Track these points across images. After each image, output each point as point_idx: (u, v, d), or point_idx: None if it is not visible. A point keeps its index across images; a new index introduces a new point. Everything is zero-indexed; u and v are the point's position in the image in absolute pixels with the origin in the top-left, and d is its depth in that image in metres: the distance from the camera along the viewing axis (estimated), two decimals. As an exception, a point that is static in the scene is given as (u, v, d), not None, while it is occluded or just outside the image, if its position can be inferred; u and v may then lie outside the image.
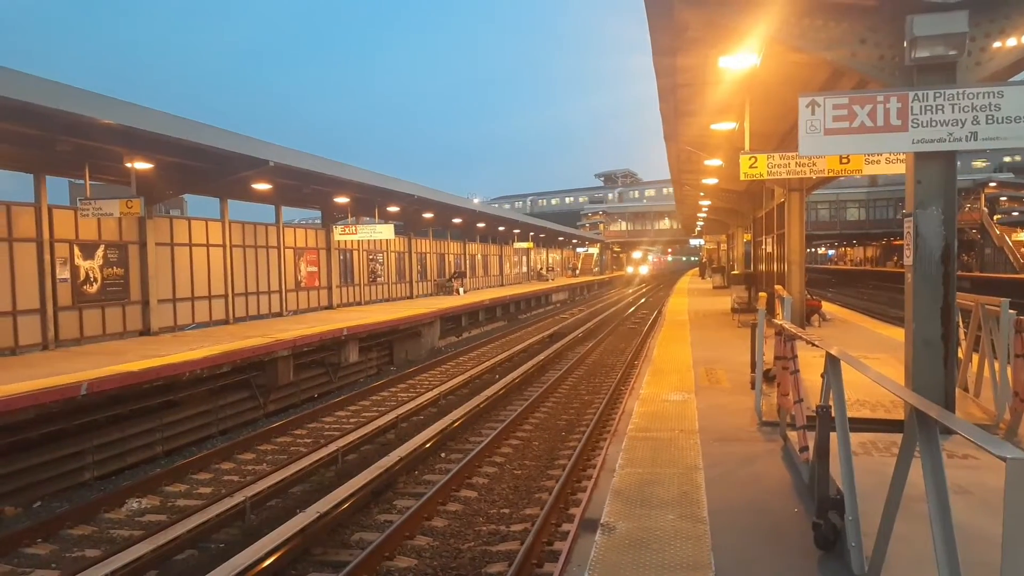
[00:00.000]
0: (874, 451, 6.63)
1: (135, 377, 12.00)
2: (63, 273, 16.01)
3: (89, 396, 11.04)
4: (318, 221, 28.68)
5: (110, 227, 17.33)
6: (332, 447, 11.82)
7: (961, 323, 8.71)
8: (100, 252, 17.05)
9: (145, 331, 18.23)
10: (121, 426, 12.15)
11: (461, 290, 37.83)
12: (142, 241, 18.28)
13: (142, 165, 15.79)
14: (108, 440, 11.89)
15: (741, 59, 9.76)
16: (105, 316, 17.21)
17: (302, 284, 26.07)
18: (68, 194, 34.24)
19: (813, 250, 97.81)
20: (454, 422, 13.29)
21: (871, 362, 9.30)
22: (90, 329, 16.73)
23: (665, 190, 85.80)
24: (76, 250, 16.40)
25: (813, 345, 5.80)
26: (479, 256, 48.16)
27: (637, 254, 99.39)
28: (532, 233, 55.24)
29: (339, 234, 26.53)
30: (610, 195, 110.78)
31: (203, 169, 17.77)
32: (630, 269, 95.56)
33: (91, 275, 16.78)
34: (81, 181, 16.31)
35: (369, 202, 26.98)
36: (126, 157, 15.38)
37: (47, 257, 15.54)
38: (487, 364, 20.67)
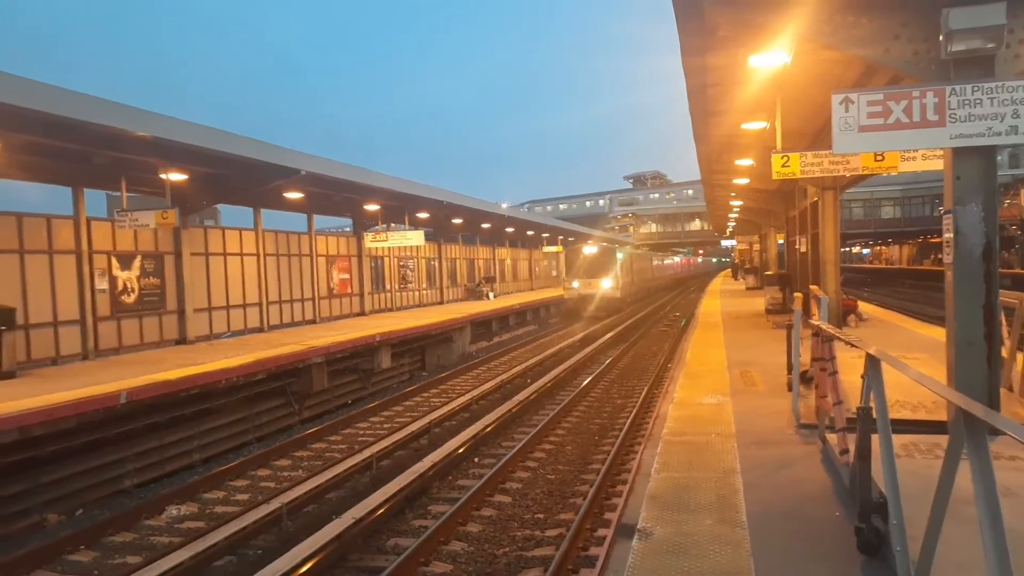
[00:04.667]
0: (916, 453, 6.49)
1: (172, 386, 12.18)
2: (102, 284, 16.33)
3: (128, 405, 11.23)
4: (349, 229, 28.92)
5: (146, 238, 17.63)
6: (366, 453, 11.88)
7: (1004, 321, 8.50)
8: (137, 263, 17.36)
9: (181, 340, 18.50)
10: (159, 434, 12.32)
11: (491, 295, 37.86)
12: (177, 251, 18.57)
13: (176, 176, 16.05)
14: (147, 448, 12.06)
15: (771, 58, 9.65)
16: (142, 326, 17.50)
17: (334, 291, 26.29)
18: (105, 206, 34.96)
19: (847, 249, 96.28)
20: (487, 427, 13.28)
21: (910, 363, 9.12)
22: (128, 339, 17.02)
23: (695, 191, 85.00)
24: (114, 261, 16.71)
25: (852, 346, 5.70)
26: (508, 261, 48.17)
27: (590, 248, 40.76)
28: (561, 237, 55.15)
29: (370, 241, 26.72)
30: (639, 197, 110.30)
31: (236, 179, 18.02)
32: (575, 284, 38.83)
33: (128, 285, 17.08)
34: (118, 193, 16.62)
35: (399, 209, 27.14)
36: (161, 169, 15.65)
37: (86, 268, 15.86)
38: (518, 369, 20.65)
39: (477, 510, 9.37)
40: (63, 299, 15.36)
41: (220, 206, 31.19)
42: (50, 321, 15.06)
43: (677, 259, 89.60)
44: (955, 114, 6.54)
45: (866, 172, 12.36)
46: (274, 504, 9.38)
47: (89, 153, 13.91)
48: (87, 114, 11.75)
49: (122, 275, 16.92)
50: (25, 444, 9.77)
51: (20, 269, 14.48)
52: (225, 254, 20.53)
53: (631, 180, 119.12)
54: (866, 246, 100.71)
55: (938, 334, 16.13)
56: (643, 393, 16.09)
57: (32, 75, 10.79)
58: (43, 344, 14.91)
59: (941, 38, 6.63)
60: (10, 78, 10.59)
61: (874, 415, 4.61)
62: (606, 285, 37.86)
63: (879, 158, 11.10)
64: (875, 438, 4.56)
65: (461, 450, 11.86)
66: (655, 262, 61.06)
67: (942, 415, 7.76)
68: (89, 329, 15.87)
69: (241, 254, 21.18)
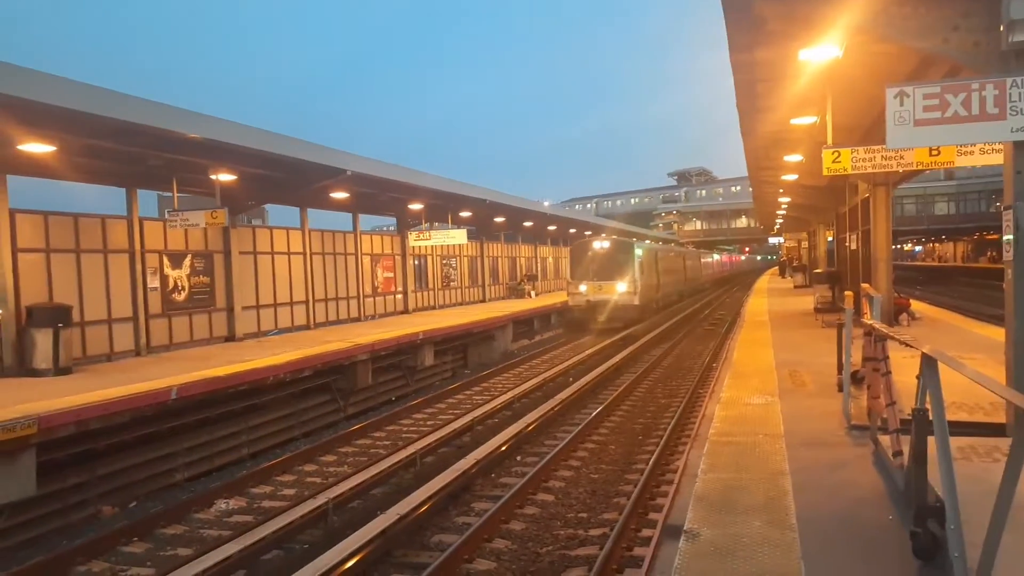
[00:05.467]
0: (974, 456, 6.30)
1: (222, 382, 12.42)
2: (153, 282, 16.73)
3: (179, 400, 11.48)
4: (393, 228, 29.16)
5: (196, 237, 18.01)
6: (410, 449, 11.95)
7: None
8: (187, 261, 17.74)
9: (230, 337, 18.86)
10: (209, 429, 12.58)
11: (532, 293, 37.84)
12: (227, 250, 18.93)
13: (226, 177, 16.36)
14: (197, 443, 12.33)
15: (822, 51, 9.43)
16: (192, 323, 17.89)
17: (379, 289, 26.55)
18: (157, 206, 35.81)
19: (899, 246, 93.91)
20: (529, 425, 13.26)
21: (967, 363, 8.86)
22: (179, 336, 17.41)
23: (742, 187, 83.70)
24: (165, 260, 17.11)
25: (905, 345, 5.54)
26: (550, 259, 48.10)
27: (601, 243, 32.47)
28: (604, 235, 54.85)
29: (414, 240, 26.93)
30: (684, 194, 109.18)
31: (283, 179, 18.30)
32: (582, 287, 30.80)
33: (179, 284, 17.47)
34: (169, 194, 17.01)
35: (442, 208, 27.30)
36: (211, 170, 15.96)
37: (139, 267, 16.26)
38: (560, 367, 20.59)
39: (520, 508, 9.36)
40: (117, 297, 15.77)
41: (268, 206, 31.73)
42: (105, 319, 15.48)
43: (717, 256, 79.80)
44: (1016, 107, 6.30)
45: (920, 167, 12.01)
46: (320, 499, 9.49)
47: (143, 155, 14.25)
48: (144, 117, 12.04)
49: (173, 274, 17.31)
50: (82, 438, 10.07)
51: (76, 268, 14.91)
52: (273, 253, 20.87)
53: (676, 177, 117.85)
54: (919, 243, 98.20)
55: (995, 334, 15.63)
56: (688, 393, 15.91)
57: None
58: (98, 341, 15.33)
59: (1002, 28, 6.41)
60: (71, 83, 10.90)
61: (930, 416, 4.48)
62: (621, 289, 30.31)
63: (934, 153, 10.77)
64: (931, 440, 4.44)
65: (504, 448, 11.86)
66: (690, 261, 52.26)
67: (1001, 417, 7.51)
68: (141, 326, 16.27)
69: (288, 253, 21.51)
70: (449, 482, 9.88)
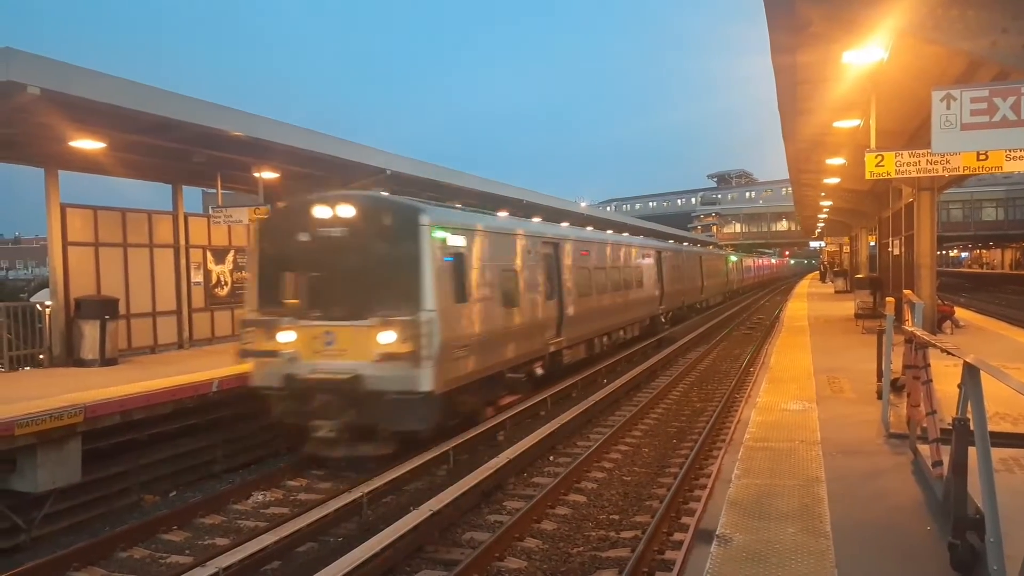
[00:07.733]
0: (1016, 468, 6.16)
1: (261, 375, 12.59)
2: (197, 277, 17.08)
3: (220, 393, 11.71)
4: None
5: (239, 233, 18.31)
6: (444, 446, 12.01)
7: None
8: (230, 257, 18.07)
9: (270, 332, 19.13)
10: (248, 422, 12.77)
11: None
12: (267, 246, 19.20)
13: (268, 174, 16.63)
14: (236, 435, 12.53)
15: (866, 53, 9.30)
16: (234, 317, 18.18)
17: (415, 287, 26.70)
18: (201, 203, 36.57)
19: (944, 252, 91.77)
20: (562, 425, 13.26)
21: (1012, 373, 8.65)
22: (220, 329, 17.74)
23: (783, 190, 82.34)
24: (209, 255, 17.46)
25: (947, 353, 5.44)
26: (588, 260, 47.79)
27: (332, 212, 10.66)
28: (640, 236, 54.52)
29: (450, 239, 27.03)
30: (723, 196, 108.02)
31: (324, 178, 18.49)
32: (282, 336, 10.78)
33: (222, 279, 17.81)
34: (213, 190, 17.35)
35: (479, 208, 27.36)
36: (254, 167, 16.23)
37: (183, 262, 16.62)
38: (593, 369, 20.50)
39: (552, 508, 9.37)
40: (161, 291, 16.14)
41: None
42: (149, 312, 15.84)
43: (735, 259, 58.50)
44: (1067, 111, 6.16)
45: (967, 172, 11.79)
46: (355, 493, 9.60)
47: (188, 152, 14.54)
48: (189, 115, 12.29)
49: (216, 269, 17.65)
50: (126, 427, 10.32)
51: (123, 262, 15.29)
52: (312, 250, 21.10)
53: (715, 179, 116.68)
54: (965, 249, 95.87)
55: (1044, 344, 15.26)
56: (724, 397, 15.76)
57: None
58: (143, 333, 15.70)
59: (1053, 30, 6.27)
60: (119, 81, 11.18)
61: (971, 426, 4.40)
62: (384, 343, 10.51)
63: (982, 157, 10.53)
64: (972, 451, 4.36)
65: (536, 447, 11.88)
66: (677, 263, 32.84)
67: (1047, 429, 7.34)
68: (185, 320, 16.62)
69: (327, 250, 21.73)
70: (481, 480, 9.92)
